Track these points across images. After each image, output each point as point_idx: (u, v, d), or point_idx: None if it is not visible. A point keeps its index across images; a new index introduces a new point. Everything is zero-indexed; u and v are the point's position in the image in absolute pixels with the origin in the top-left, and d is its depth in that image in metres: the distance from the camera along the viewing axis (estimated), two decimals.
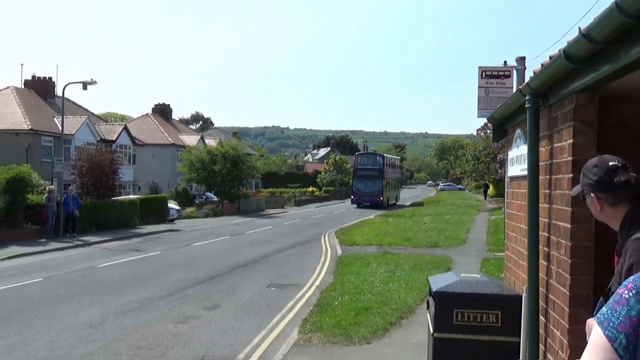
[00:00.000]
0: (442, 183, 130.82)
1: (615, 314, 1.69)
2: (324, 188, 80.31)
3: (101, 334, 9.60)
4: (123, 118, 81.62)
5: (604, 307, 1.76)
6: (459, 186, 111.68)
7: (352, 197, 56.61)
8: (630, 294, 1.70)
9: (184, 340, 9.28)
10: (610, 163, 2.56)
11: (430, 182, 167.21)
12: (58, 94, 43.02)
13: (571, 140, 3.90)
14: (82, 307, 11.73)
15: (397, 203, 61.52)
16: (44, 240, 24.29)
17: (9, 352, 8.56)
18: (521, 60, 7.48)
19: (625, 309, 1.68)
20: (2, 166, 25.54)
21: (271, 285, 14.48)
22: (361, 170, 56.01)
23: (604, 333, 1.67)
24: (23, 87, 48.12)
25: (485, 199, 64.28)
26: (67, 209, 26.18)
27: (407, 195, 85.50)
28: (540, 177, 4.65)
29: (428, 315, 5.98)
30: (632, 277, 1.79)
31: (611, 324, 1.67)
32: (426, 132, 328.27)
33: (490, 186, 62.58)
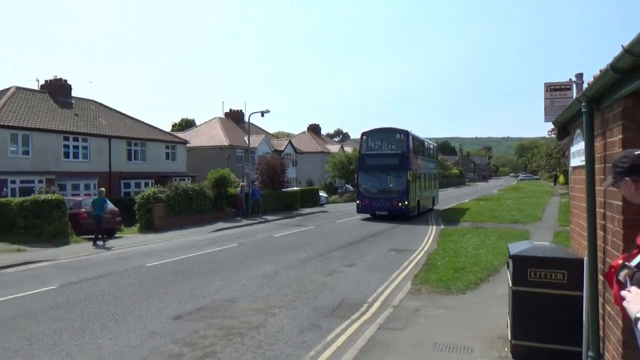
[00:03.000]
0: (521, 174, 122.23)
1: None
2: None
3: (274, 282, 10.03)
4: (288, 135, 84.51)
5: None
6: (535, 177, 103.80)
7: (357, 201, 25.24)
8: None
9: (330, 287, 9.45)
10: (636, 152, 2.34)
11: (512, 174, 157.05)
12: (246, 120, 45.55)
13: (621, 136, 3.50)
14: (262, 263, 12.31)
15: (434, 208, 30.14)
16: (238, 218, 25.73)
17: (216, 291, 9.19)
18: (579, 76, 6.86)
19: None
20: (212, 169, 27.55)
21: (392, 249, 14.36)
22: (371, 158, 24.88)
23: None
24: (224, 117, 51.50)
25: (554, 185, 59.41)
26: (254, 197, 27.67)
27: (482, 188, 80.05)
28: (595, 166, 4.21)
29: (508, 273, 5.63)
30: None
31: None
32: (508, 137, 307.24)
33: (561, 176, 57.54)
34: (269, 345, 6.14)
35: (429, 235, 17.40)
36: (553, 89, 7.20)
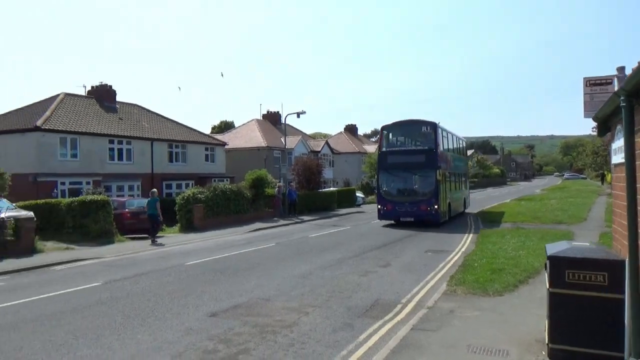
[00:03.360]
0: (567, 173, 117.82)
1: None
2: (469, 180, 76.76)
3: (309, 281, 10.08)
4: (325, 135, 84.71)
5: None
6: (582, 175, 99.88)
7: (378, 206, 22.04)
8: None
9: (364, 287, 9.41)
10: None
11: (557, 173, 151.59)
12: (283, 122, 45.95)
13: None
14: (298, 263, 12.38)
15: (465, 211, 27.13)
16: (275, 219, 25.96)
17: (252, 290, 9.32)
18: (621, 69, 6.53)
19: None
20: (249, 170, 27.96)
21: (428, 250, 14.15)
22: (393, 156, 21.77)
23: None
24: (261, 118, 52.16)
25: (602, 184, 56.94)
26: (290, 197, 27.89)
27: (523, 188, 77.28)
28: (636, 163, 4.03)
29: (546, 274, 5.46)
30: None
31: None
32: (552, 134, 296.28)
33: (608, 175, 55.14)
34: (301, 343, 6.18)
35: (466, 237, 17.05)
36: (593, 84, 6.91)
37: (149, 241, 17.52)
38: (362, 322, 7.11)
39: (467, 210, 27.63)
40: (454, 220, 22.78)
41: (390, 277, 10.32)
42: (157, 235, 18.21)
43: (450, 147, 24.43)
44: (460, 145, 28.13)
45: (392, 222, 22.10)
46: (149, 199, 18.52)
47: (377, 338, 6.35)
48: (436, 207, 20.40)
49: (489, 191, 59.93)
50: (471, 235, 17.32)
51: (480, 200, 40.22)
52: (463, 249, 14.08)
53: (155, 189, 19.64)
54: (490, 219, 22.85)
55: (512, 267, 10.48)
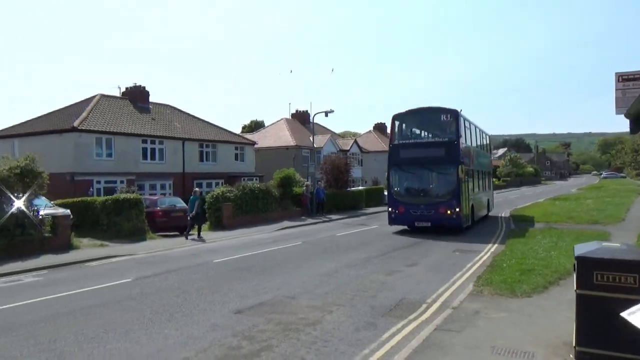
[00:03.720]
0: (605, 172, 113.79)
1: None
2: (502, 178, 74.92)
3: (334, 280, 10.09)
4: (354, 134, 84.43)
5: None
6: (621, 174, 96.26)
7: (389, 209, 19.03)
8: None
9: (389, 286, 9.36)
10: None
11: (595, 172, 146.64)
12: (311, 121, 46.10)
13: None
14: (324, 261, 12.41)
15: (489, 214, 24.51)
16: (303, 217, 26.07)
17: (277, 288, 9.40)
18: None
19: None
20: (277, 169, 28.17)
21: (456, 250, 13.96)
22: (407, 150, 18.83)
23: None
24: (290, 118, 52.45)
25: None
26: (318, 196, 27.95)
27: (559, 187, 74.82)
28: None
29: (574, 276, 5.31)
30: None
31: None
32: (590, 132, 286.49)
33: None
34: (323, 341, 6.21)
35: (496, 236, 16.72)
36: (625, 79, 6.63)
37: (182, 238, 18.06)
38: (385, 321, 7.07)
39: (490, 213, 24.80)
40: (477, 225, 20.31)
41: (416, 277, 10.23)
42: (190, 232, 18.65)
43: (474, 140, 21.42)
44: (484, 140, 24.91)
45: (406, 227, 19.24)
46: (191, 197, 19.03)
47: (399, 337, 6.31)
48: (457, 210, 17.34)
49: (522, 190, 58.62)
50: (501, 235, 16.97)
51: (513, 199, 39.34)
52: (492, 249, 13.82)
53: (197, 189, 20.11)
54: (521, 218, 22.35)
55: (543, 268, 10.22)
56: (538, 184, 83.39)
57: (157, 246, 16.32)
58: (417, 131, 20.16)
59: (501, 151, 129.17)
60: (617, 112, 6.93)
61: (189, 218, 18.74)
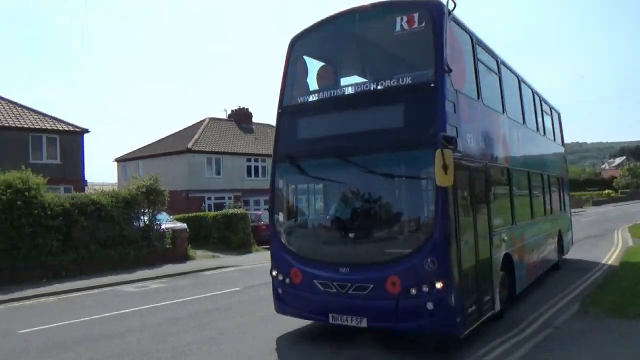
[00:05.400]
0: None
1: None
2: (619, 190, 68.01)
3: None
4: None
5: None
6: None
7: (272, 272, 7.07)
8: None
9: None
10: None
11: None
12: None
13: None
14: None
15: (564, 257, 12.73)
16: None
17: None
18: None
19: None
20: None
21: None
22: (315, 119, 6.95)
23: None
24: None
25: None
26: None
27: None
28: None
29: None
30: None
31: None
32: None
33: None
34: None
35: (611, 253, 15.48)
36: None
37: None
38: (483, 338, 7.07)
39: (567, 256, 13.70)
40: (531, 294, 9.56)
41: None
42: None
43: (511, 103, 9.20)
44: (545, 116, 12.51)
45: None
46: None
47: (493, 356, 6.32)
48: (442, 279, 5.72)
49: None
50: (617, 252, 15.64)
51: (635, 214, 35.73)
52: (606, 266, 12.86)
53: None
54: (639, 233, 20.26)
55: None
56: None
57: (262, 258, 17.39)
58: (342, 70, 8.19)
59: (618, 160, 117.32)
60: None
61: None
